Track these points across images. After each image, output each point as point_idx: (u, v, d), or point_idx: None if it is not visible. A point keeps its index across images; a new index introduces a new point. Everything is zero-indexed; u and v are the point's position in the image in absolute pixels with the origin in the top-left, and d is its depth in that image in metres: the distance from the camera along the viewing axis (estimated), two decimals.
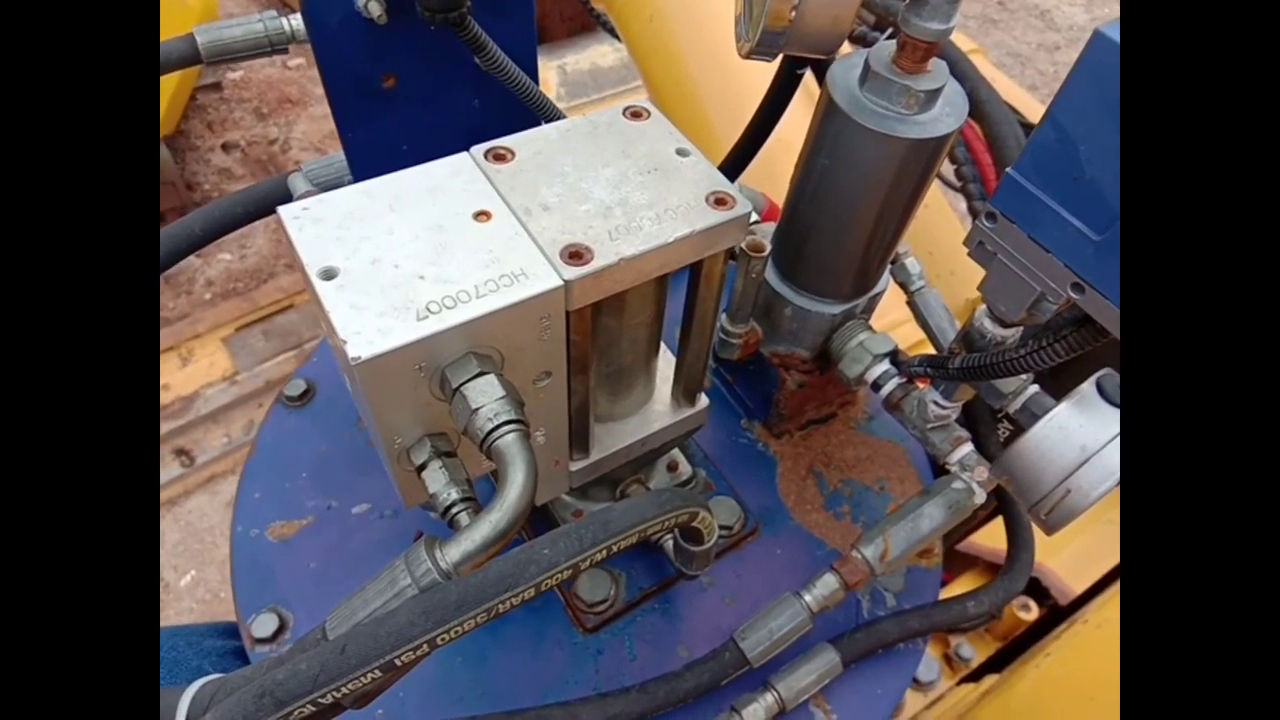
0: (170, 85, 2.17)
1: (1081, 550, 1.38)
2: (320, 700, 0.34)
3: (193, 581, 1.83)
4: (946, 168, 0.78)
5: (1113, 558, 1.34)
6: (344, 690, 0.34)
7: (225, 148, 2.70)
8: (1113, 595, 1.23)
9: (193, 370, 2.07)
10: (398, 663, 0.34)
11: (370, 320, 0.39)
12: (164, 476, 1.93)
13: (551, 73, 2.51)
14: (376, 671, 0.34)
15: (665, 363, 0.62)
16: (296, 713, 0.34)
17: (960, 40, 1.77)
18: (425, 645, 0.34)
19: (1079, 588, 1.34)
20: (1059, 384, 0.54)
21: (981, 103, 0.66)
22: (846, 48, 0.69)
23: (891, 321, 1.07)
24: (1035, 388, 0.54)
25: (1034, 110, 1.41)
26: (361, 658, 0.33)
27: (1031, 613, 1.36)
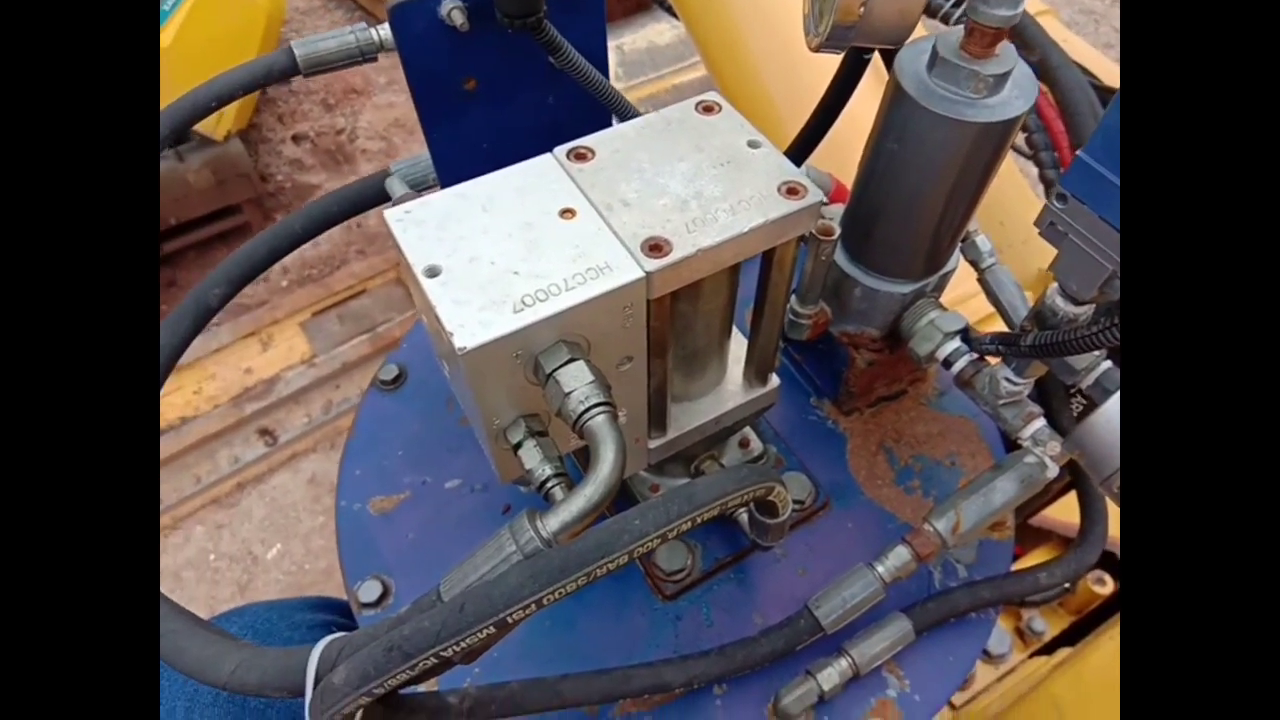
0: None
1: None
2: (441, 653, 0.38)
3: (279, 554, 1.94)
4: (1018, 135, 0.78)
5: None
6: (462, 644, 0.38)
7: (296, 139, 2.80)
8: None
9: (273, 354, 2.17)
10: (509, 620, 0.37)
11: (472, 313, 0.43)
12: (249, 455, 2.04)
13: (610, 53, 2.52)
14: (491, 628, 0.37)
15: (737, 344, 0.65)
16: (421, 664, 0.38)
17: (1030, 1, 1.71)
18: (533, 604, 0.37)
19: None
20: None
21: (1053, 69, 0.65)
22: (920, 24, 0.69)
23: (960, 295, 1.07)
24: (1108, 364, 0.55)
25: (1108, 71, 1.36)
26: (478, 615, 0.37)
27: (1107, 587, 1.34)
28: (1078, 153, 0.44)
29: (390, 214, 0.47)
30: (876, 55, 0.66)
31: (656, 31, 2.60)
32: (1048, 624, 1.37)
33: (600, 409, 0.44)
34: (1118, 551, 1.32)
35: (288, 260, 2.43)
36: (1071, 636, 1.36)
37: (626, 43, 2.56)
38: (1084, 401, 0.74)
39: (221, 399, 2.08)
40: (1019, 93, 0.52)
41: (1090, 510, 0.70)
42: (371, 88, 2.98)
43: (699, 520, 0.43)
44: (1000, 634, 1.34)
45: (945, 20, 0.58)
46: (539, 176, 0.49)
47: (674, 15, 1.53)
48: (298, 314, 2.25)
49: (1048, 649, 1.35)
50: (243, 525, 1.98)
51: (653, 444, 0.60)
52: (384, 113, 2.89)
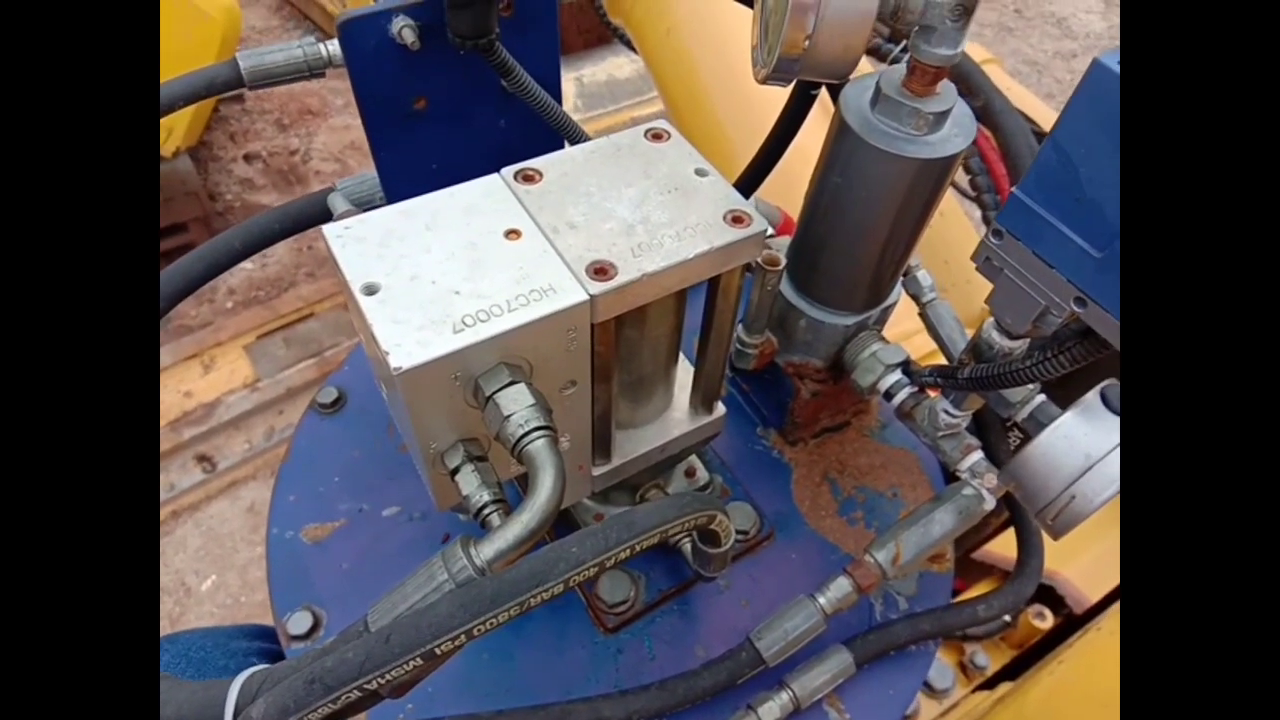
0: None
1: (1097, 559, 1.39)
2: (365, 686, 0.36)
3: (214, 586, 1.86)
4: (961, 178, 0.81)
5: None
6: (388, 677, 0.36)
7: (247, 158, 2.76)
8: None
9: (215, 377, 2.11)
10: (437, 651, 0.36)
11: (410, 333, 0.42)
12: (186, 482, 1.96)
13: (569, 84, 2.55)
14: (418, 659, 0.36)
15: (684, 372, 0.65)
16: (344, 698, 0.36)
17: (975, 50, 1.79)
18: (463, 635, 0.36)
19: (1095, 596, 1.34)
20: (1066, 394, 0.56)
21: (996, 114, 0.68)
22: (864, 62, 0.71)
23: (903, 331, 1.09)
24: (1042, 397, 0.56)
25: (1049, 119, 1.42)
26: (405, 646, 0.36)
27: (1047, 621, 1.36)
28: (1012, 190, 0.45)
29: (329, 229, 0.46)
30: (827, 92, 0.68)
31: (616, 65, 2.64)
32: (990, 658, 1.38)
33: (540, 433, 0.43)
34: (1054, 585, 1.35)
35: (233, 281, 2.37)
36: (1013, 670, 1.37)
37: (586, 74, 2.59)
38: (1020, 435, 0.76)
39: (159, 423, 2.00)
40: (958, 130, 0.54)
41: (1027, 544, 0.71)
42: (328, 109, 2.95)
43: (638, 548, 0.42)
44: (943, 668, 1.34)
45: (889, 61, 0.60)
46: (485, 196, 0.49)
47: (633, 49, 1.56)
48: (242, 336, 2.19)
49: (990, 683, 1.36)
50: (176, 555, 1.89)
51: (597, 471, 0.59)
52: (339, 135, 2.86)
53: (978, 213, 0.82)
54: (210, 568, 1.89)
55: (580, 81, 2.57)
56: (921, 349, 1.03)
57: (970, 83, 0.69)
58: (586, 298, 0.44)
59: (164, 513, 1.93)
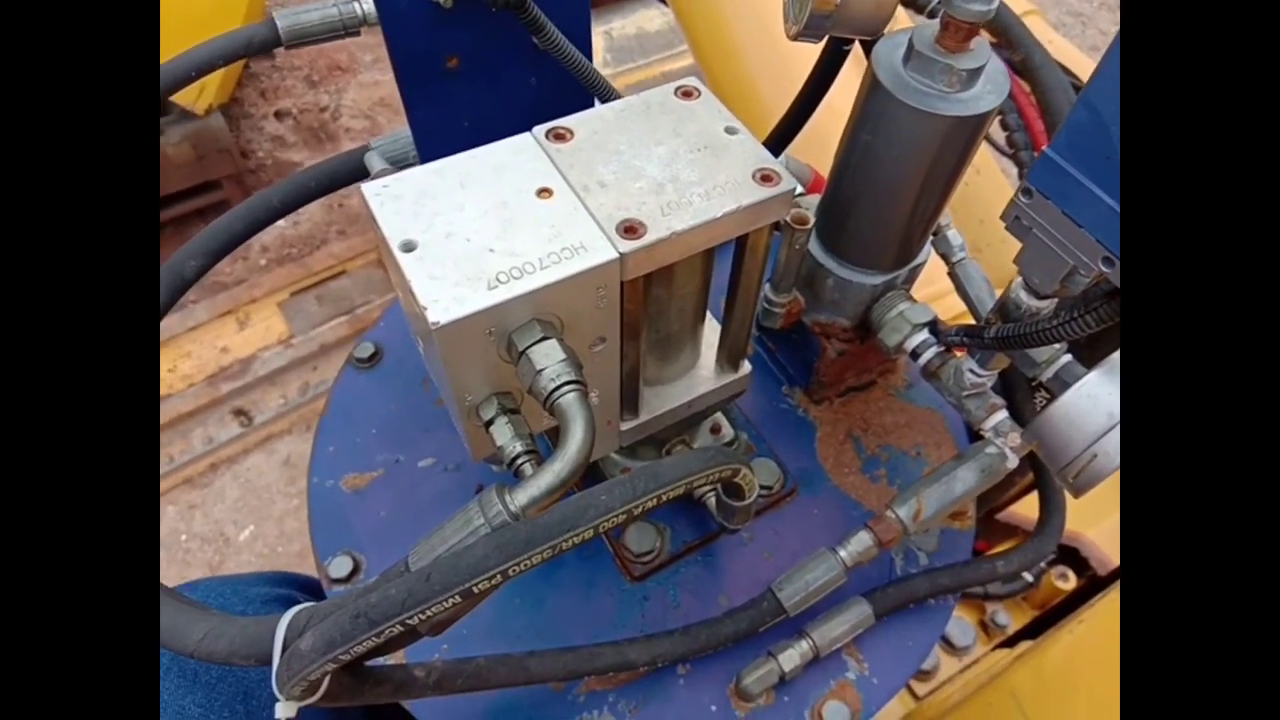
0: None
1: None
2: (407, 621, 0.38)
3: (251, 536, 1.93)
4: (998, 133, 0.79)
5: None
6: (428, 613, 0.38)
7: (278, 115, 2.77)
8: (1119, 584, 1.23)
9: (250, 334, 2.16)
10: (475, 590, 0.38)
11: (447, 289, 0.43)
12: (223, 435, 2.02)
13: (598, 38, 2.52)
14: (456, 597, 0.38)
15: (711, 330, 0.66)
16: (387, 632, 0.39)
17: (1016, 1, 1.72)
18: (499, 575, 0.38)
19: (1118, 559, 1.35)
20: (1093, 355, 0.56)
21: (1035, 68, 0.66)
22: (902, 14, 0.69)
23: (936, 291, 1.09)
24: (1068, 357, 0.56)
25: (1091, 72, 1.38)
26: (444, 585, 0.38)
27: (1070, 582, 1.37)
28: (1043, 149, 0.45)
29: (367, 188, 0.47)
30: (860, 48, 0.67)
31: (646, 18, 2.60)
32: (1011, 618, 1.40)
33: (571, 387, 0.45)
34: (1078, 547, 1.35)
35: (267, 239, 2.41)
36: (1034, 630, 1.38)
37: (616, 28, 2.55)
38: (1046, 396, 0.76)
39: (196, 378, 2.06)
40: (991, 88, 0.53)
41: (1049, 502, 0.72)
42: (357, 65, 2.95)
43: (664, 498, 0.44)
44: (964, 626, 1.36)
45: (927, 13, 0.59)
46: (517, 155, 0.50)
47: (664, 2, 1.53)
48: (276, 293, 2.23)
49: (1010, 642, 1.38)
50: (215, 506, 1.96)
51: (625, 426, 0.61)
52: (369, 91, 2.86)
53: (1015, 170, 0.80)
54: (248, 518, 1.95)
55: (609, 35, 2.54)
56: (951, 310, 1.02)
57: (1010, 35, 0.67)
58: (616, 256, 0.45)
59: (202, 465, 1.99)
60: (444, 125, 0.68)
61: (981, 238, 1.24)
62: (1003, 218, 0.50)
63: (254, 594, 0.79)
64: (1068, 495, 0.67)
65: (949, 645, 1.35)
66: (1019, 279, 0.53)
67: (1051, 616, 1.40)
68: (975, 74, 0.52)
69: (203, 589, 0.78)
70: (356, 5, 0.62)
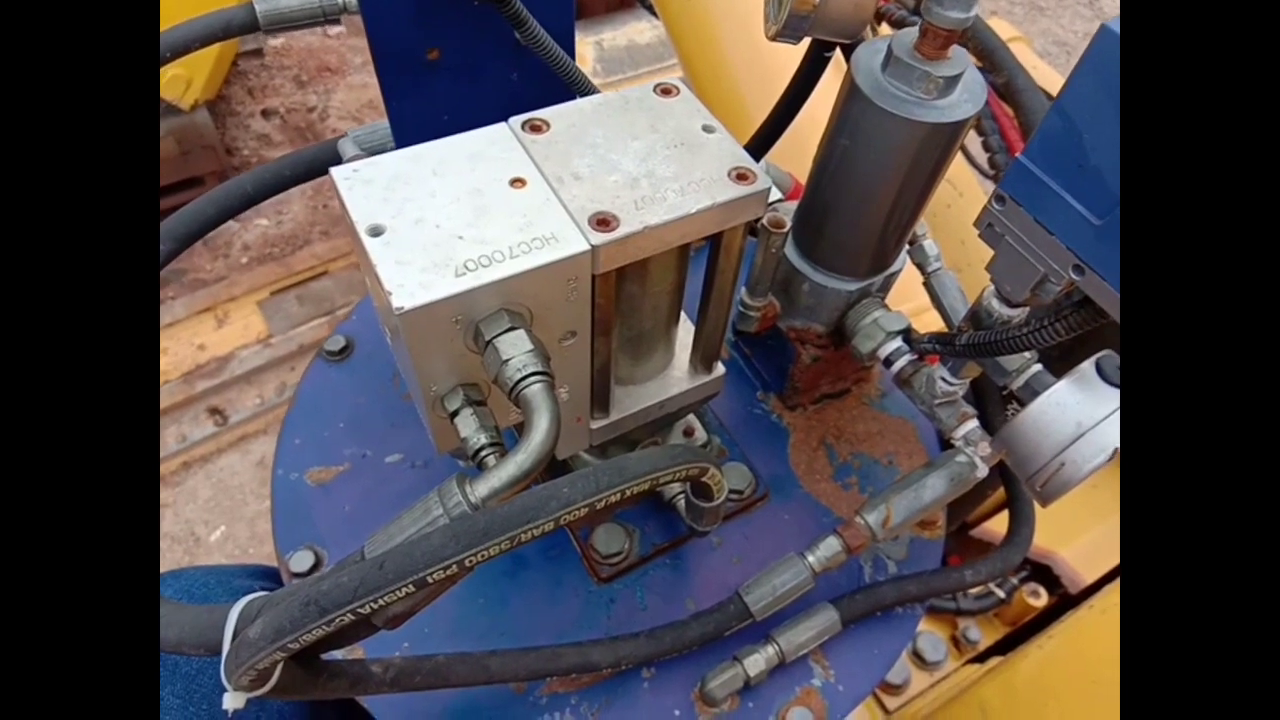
0: (213, 50, 2.22)
1: (1094, 540, 1.40)
2: (359, 610, 0.38)
3: (222, 537, 1.90)
4: (981, 155, 0.80)
5: None
6: (380, 602, 0.37)
7: (265, 114, 2.76)
8: (1119, 584, 1.24)
9: (228, 332, 2.13)
10: (429, 579, 0.37)
11: (413, 275, 0.42)
12: (197, 434, 2.00)
13: (589, 48, 2.53)
14: (410, 586, 0.37)
15: (685, 331, 0.65)
16: (337, 620, 0.38)
17: (1002, 28, 1.75)
18: (454, 565, 0.37)
19: (1090, 578, 1.35)
20: (1066, 366, 0.56)
21: (1018, 91, 0.67)
22: (885, 29, 0.70)
23: (915, 308, 1.09)
24: (1038, 366, 0.57)
25: None
26: (398, 573, 0.37)
27: (1041, 599, 1.38)
28: (1016, 156, 0.45)
29: (337, 171, 0.47)
30: (842, 54, 0.68)
31: (637, 30, 2.61)
32: (983, 633, 1.40)
33: (537, 378, 0.44)
34: (1051, 565, 1.36)
35: (248, 237, 2.39)
36: (1005, 646, 1.39)
37: (606, 39, 2.56)
38: (1018, 406, 0.76)
39: (172, 375, 2.03)
40: (968, 96, 0.54)
41: (1018, 514, 0.72)
42: (346, 67, 2.94)
43: (629, 493, 0.43)
44: (936, 641, 1.36)
45: (898, 26, 0.59)
46: (492, 144, 0.49)
47: (654, 14, 1.54)
48: (256, 292, 2.22)
49: (982, 658, 1.38)
50: (187, 505, 1.93)
51: (595, 425, 0.60)
52: (357, 93, 2.85)
53: None
54: (220, 518, 1.92)
55: (600, 45, 2.55)
56: (929, 326, 1.02)
57: (994, 59, 0.68)
58: (588, 248, 0.45)
59: (175, 464, 1.96)
60: (423, 118, 0.67)
61: (963, 258, 1.25)
62: (976, 224, 0.50)
63: (239, 585, 0.77)
64: (1039, 509, 0.68)
65: (920, 660, 1.35)
66: (991, 287, 0.54)
67: (1023, 633, 1.40)
68: (953, 81, 0.53)
69: (186, 578, 0.76)
70: None
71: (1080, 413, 0.50)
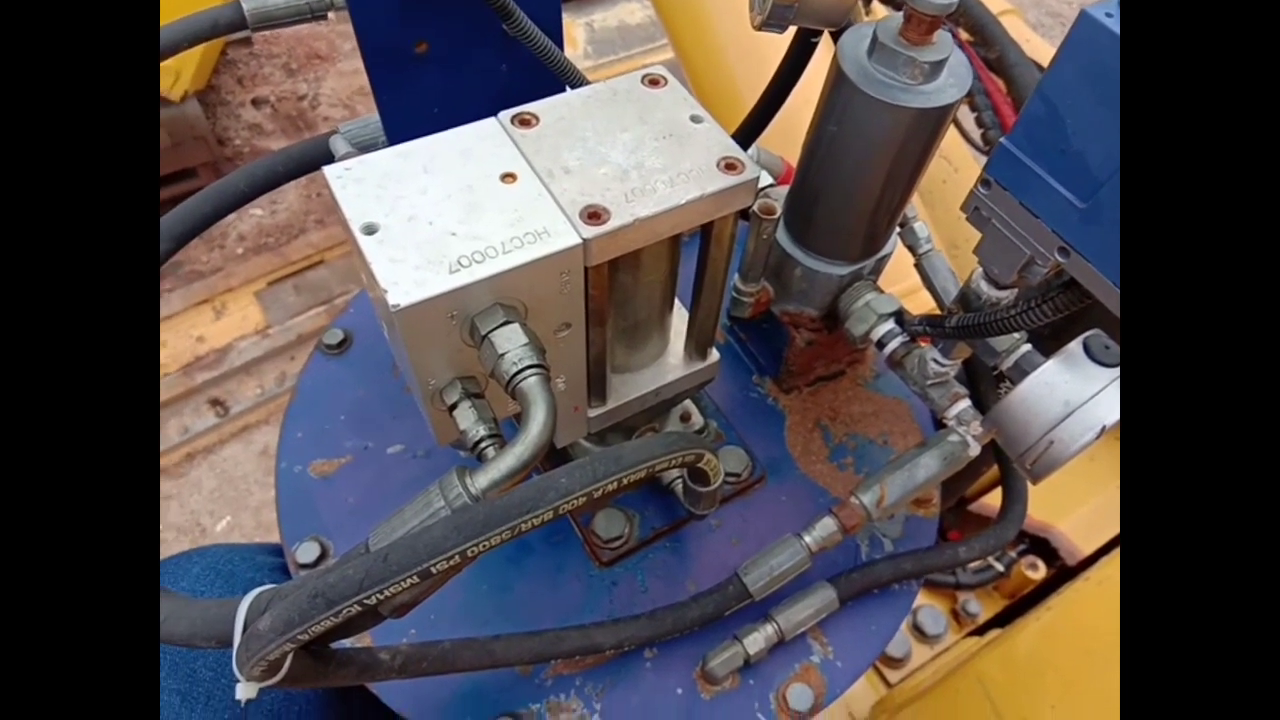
0: None
1: (1091, 513, 1.41)
2: (365, 601, 0.39)
3: (228, 527, 1.92)
4: (975, 131, 0.80)
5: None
6: (386, 593, 0.38)
7: (255, 103, 2.74)
8: (1116, 556, 1.26)
9: (226, 323, 2.14)
10: (433, 570, 0.38)
11: (408, 272, 0.43)
12: (199, 425, 2.01)
13: (579, 30, 2.51)
14: (414, 578, 0.38)
15: (680, 319, 0.66)
16: (344, 612, 0.39)
17: (994, 1, 1.74)
18: (457, 556, 0.38)
19: (1087, 550, 1.37)
20: (1056, 345, 0.57)
21: (1010, 66, 0.67)
22: (877, 8, 0.70)
23: (906, 288, 1.10)
24: (1028, 346, 0.57)
25: None
26: (402, 565, 0.38)
27: (1039, 572, 1.39)
28: (1001, 140, 0.46)
29: (329, 170, 0.47)
30: (831, 39, 0.68)
31: (628, 11, 2.59)
32: (982, 606, 1.42)
33: (532, 371, 0.45)
34: (1048, 538, 1.37)
35: (244, 227, 2.38)
36: (1004, 619, 1.41)
37: (597, 20, 2.54)
38: (1009, 385, 0.77)
39: (171, 367, 2.04)
40: (954, 80, 0.54)
41: (1011, 490, 0.73)
42: (336, 54, 2.92)
43: (625, 481, 0.44)
44: (936, 615, 1.38)
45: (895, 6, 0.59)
46: (482, 140, 0.50)
47: None
48: (253, 283, 2.21)
49: (981, 630, 1.40)
50: (191, 496, 1.95)
51: (592, 413, 0.61)
52: (348, 80, 2.83)
53: None
54: (224, 509, 1.94)
55: (591, 27, 2.53)
56: (921, 307, 1.03)
57: (985, 34, 0.68)
58: (579, 241, 0.46)
59: (178, 455, 1.97)
60: (413, 111, 0.67)
61: (960, 234, 1.26)
62: (963, 208, 0.51)
63: (263, 561, 0.77)
64: (1029, 483, 0.69)
65: (921, 633, 1.37)
66: (979, 269, 0.54)
67: (1021, 605, 1.42)
68: (938, 66, 0.53)
69: (212, 555, 0.77)
70: None
71: (1068, 392, 0.51)
